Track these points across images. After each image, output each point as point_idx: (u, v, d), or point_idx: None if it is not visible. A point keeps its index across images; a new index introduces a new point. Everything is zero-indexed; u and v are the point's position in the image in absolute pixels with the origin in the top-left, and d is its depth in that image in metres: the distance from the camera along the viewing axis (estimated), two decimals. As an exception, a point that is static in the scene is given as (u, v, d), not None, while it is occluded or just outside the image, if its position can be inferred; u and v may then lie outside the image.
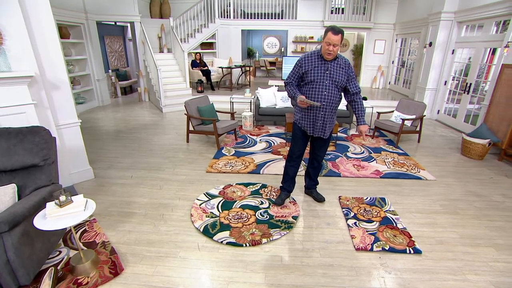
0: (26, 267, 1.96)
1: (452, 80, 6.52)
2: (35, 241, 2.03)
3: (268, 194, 3.29)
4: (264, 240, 2.52)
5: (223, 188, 3.42)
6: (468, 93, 5.77)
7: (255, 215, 2.89)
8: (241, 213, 2.93)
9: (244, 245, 2.47)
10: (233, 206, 3.05)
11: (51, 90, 3.03)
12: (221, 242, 2.52)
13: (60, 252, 2.35)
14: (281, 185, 3.20)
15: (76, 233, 2.58)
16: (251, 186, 3.48)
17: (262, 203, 3.11)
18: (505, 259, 2.37)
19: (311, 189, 3.29)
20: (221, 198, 3.21)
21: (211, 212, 2.95)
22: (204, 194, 3.29)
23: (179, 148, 4.73)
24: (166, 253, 2.39)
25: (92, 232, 2.61)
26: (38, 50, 2.83)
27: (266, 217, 2.87)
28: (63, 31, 6.58)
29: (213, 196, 3.25)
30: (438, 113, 6.82)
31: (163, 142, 5.04)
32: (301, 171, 3.68)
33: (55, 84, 3.04)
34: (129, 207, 3.04)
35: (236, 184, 3.53)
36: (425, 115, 5.11)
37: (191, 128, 4.89)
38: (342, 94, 2.77)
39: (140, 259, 2.32)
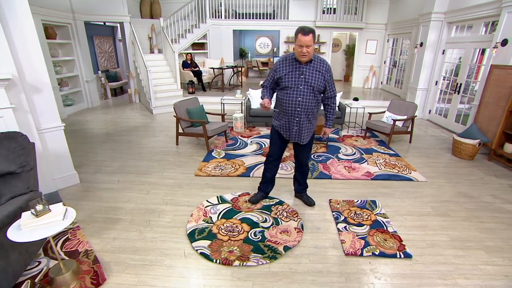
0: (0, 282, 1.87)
1: (443, 80, 6.55)
2: (10, 253, 1.94)
3: (278, 213, 2.98)
4: (236, 263, 2.29)
5: (238, 196, 3.29)
6: (458, 93, 5.80)
7: (248, 232, 2.68)
8: (237, 226, 2.77)
9: (214, 261, 2.32)
10: (234, 217, 2.92)
11: (32, 93, 2.92)
12: (197, 250, 2.44)
13: (40, 262, 2.26)
14: (259, 185, 3.18)
15: (58, 241, 2.48)
16: (266, 199, 3.22)
17: (265, 220, 2.86)
18: (495, 262, 2.35)
19: (301, 193, 3.23)
20: (229, 206, 3.09)
21: (209, 217, 2.89)
22: (217, 197, 3.23)
23: (168, 151, 4.65)
24: (151, 261, 2.32)
25: (75, 240, 2.52)
26: (17, 52, 2.72)
27: (258, 237, 2.61)
28: (49, 31, 6.43)
29: (224, 201, 3.17)
30: (429, 113, 6.85)
31: (153, 144, 4.95)
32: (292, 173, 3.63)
33: (36, 86, 2.93)
34: (115, 213, 2.95)
35: (254, 193, 3.30)
36: (416, 116, 5.11)
37: (180, 130, 4.81)
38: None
39: (124, 268, 2.24)
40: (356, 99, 6.52)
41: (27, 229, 1.85)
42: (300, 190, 3.21)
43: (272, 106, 2.72)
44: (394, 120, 4.82)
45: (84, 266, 2.22)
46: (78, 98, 7.53)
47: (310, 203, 3.14)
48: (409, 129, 5.10)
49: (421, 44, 6.71)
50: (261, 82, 2.78)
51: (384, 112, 5.42)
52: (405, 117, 4.97)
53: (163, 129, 5.87)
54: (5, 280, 1.91)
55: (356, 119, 6.38)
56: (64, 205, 2.08)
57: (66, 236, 2.56)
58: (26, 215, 1.92)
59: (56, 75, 6.52)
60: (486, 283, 2.14)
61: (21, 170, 2.19)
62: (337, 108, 5.75)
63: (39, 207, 1.93)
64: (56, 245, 2.44)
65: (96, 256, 2.33)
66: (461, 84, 5.74)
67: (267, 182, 3.12)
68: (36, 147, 2.82)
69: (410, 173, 3.92)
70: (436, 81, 6.59)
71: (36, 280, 2.09)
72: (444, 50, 6.36)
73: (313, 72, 2.49)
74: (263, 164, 4.11)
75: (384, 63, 9.93)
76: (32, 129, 2.89)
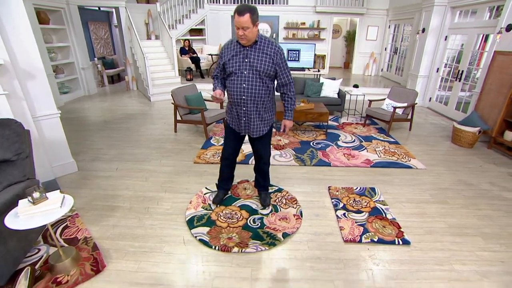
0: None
1: (444, 67, 6.46)
2: (8, 240, 1.93)
3: (277, 200, 2.97)
4: (235, 249, 2.31)
5: (237, 183, 3.25)
6: (460, 81, 5.73)
7: (247, 219, 2.67)
8: (236, 213, 2.77)
9: (213, 247, 2.33)
10: (233, 204, 2.91)
11: (25, 80, 2.85)
12: (196, 237, 2.45)
13: (39, 249, 2.26)
14: (217, 183, 2.97)
15: (57, 229, 2.48)
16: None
17: (264, 207, 2.86)
18: (491, 248, 2.37)
19: (259, 190, 2.96)
20: (228, 193, 3.06)
21: (208, 204, 2.88)
22: (216, 184, 3.11)
23: (166, 139, 4.61)
24: (151, 248, 2.32)
25: (74, 227, 2.52)
26: (8, 36, 2.63)
27: (257, 224, 2.61)
28: (42, 16, 6.25)
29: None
30: (429, 100, 6.79)
31: (151, 132, 4.90)
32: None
33: (30, 72, 2.86)
34: (114, 200, 2.94)
35: (253, 180, 3.27)
36: (416, 103, 5.06)
37: (178, 117, 4.75)
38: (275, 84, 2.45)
39: (124, 255, 2.24)
40: (356, 86, 6.45)
41: (24, 216, 1.83)
42: (259, 188, 2.96)
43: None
44: (394, 108, 4.77)
45: (84, 253, 2.23)
46: (75, 86, 7.42)
47: (264, 202, 2.86)
48: (409, 117, 5.06)
49: (423, 30, 6.58)
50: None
51: (384, 99, 5.37)
52: (405, 104, 4.93)
53: (161, 116, 5.82)
54: (5, 267, 1.91)
55: (356, 106, 6.33)
56: (62, 193, 2.06)
57: (65, 224, 2.56)
58: (23, 203, 1.90)
59: (51, 62, 6.39)
60: (482, 269, 2.16)
61: (16, 158, 2.16)
62: (336, 95, 5.71)
63: (36, 194, 1.91)
64: (55, 232, 2.44)
65: (96, 243, 2.33)
66: (462, 71, 5.66)
67: (225, 180, 2.91)
68: (32, 135, 2.78)
69: (409, 161, 3.91)
70: (438, 68, 6.50)
71: (36, 266, 2.10)
72: (446, 36, 6.24)
73: (259, 55, 2.22)
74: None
75: (385, 49, 9.78)
76: (27, 116, 2.84)
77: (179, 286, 1.99)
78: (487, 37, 5.50)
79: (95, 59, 8.70)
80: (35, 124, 2.97)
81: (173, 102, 4.62)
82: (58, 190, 2.09)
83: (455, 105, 5.89)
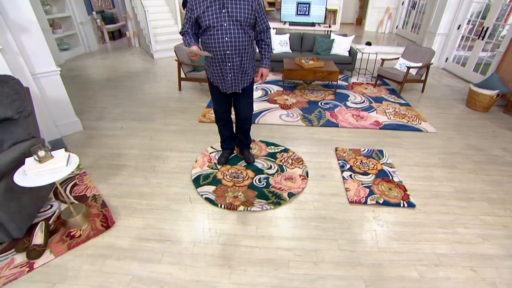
0: (17, 222, 1.95)
1: (467, 24, 5.96)
2: (21, 196, 1.98)
3: (283, 161, 2.96)
4: (241, 208, 2.34)
5: None
6: (482, 39, 5.32)
7: (253, 179, 2.69)
8: (242, 172, 2.78)
9: (219, 205, 2.38)
10: (238, 163, 2.90)
11: (19, 33, 2.69)
12: (202, 195, 2.48)
13: (52, 206, 2.33)
14: (221, 144, 2.93)
15: (67, 187, 2.53)
16: (272, 147, 3.20)
17: (270, 167, 2.86)
18: (496, 213, 2.37)
19: (241, 149, 2.95)
20: (233, 153, 3.04)
21: (214, 163, 2.89)
22: (221, 144, 3.08)
23: (170, 97, 4.51)
24: (157, 205, 2.38)
25: (83, 185, 2.57)
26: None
27: (263, 184, 2.62)
28: (34, -37, 5.77)
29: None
30: (446, 61, 6.41)
31: (154, 90, 4.79)
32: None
33: (22, 25, 2.69)
34: (120, 159, 2.96)
35: (259, 140, 3.31)
36: (432, 63, 4.77)
37: (182, 75, 4.60)
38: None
39: (132, 212, 2.31)
40: (369, 43, 6.07)
41: (32, 174, 1.85)
42: (241, 146, 2.93)
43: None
44: (408, 68, 4.51)
45: (93, 209, 2.29)
46: (74, 42, 7.13)
47: (249, 160, 2.88)
48: (423, 78, 4.81)
49: (448, -20, 5.96)
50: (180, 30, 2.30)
51: (397, 58, 5.07)
52: (420, 64, 4.65)
53: (164, 74, 5.64)
54: (21, 221, 1.98)
55: (367, 65, 6.02)
56: (67, 151, 2.05)
57: (74, 182, 2.60)
58: (29, 161, 1.91)
59: (46, 15, 6.05)
60: (484, 232, 2.18)
61: (18, 116, 2.11)
62: (347, 53, 5.40)
63: (41, 153, 1.91)
64: (65, 190, 2.49)
65: (104, 201, 2.39)
66: (487, 28, 5.22)
67: (227, 140, 2.86)
68: (33, 93, 2.73)
69: (420, 124, 3.79)
70: (459, 25, 6.02)
71: (50, 221, 2.18)
72: (473, -12, 5.67)
73: (237, 2, 2.03)
74: (267, 111, 4.03)
75: (402, 4, 9.03)
76: (26, 73, 2.75)
77: (185, 242, 2.06)
78: (519, -12, 4.97)
79: (93, 13, 8.24)
80: (35, 82, 2.88)
81: (176, 59, 4.42)
82: (64, 149, 2.08)
83: (474, 66, 5.55)
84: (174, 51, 4.41)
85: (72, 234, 2.08)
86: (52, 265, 1.88)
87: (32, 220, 2.12)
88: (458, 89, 5.16)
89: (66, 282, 1.78)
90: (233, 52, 2.14)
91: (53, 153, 2.00)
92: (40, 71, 2.93)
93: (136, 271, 1.85)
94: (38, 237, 1.98)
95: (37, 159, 1.89)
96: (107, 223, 2.17)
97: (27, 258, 1.89)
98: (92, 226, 2.14)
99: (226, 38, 2.08)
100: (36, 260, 1.89)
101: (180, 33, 2.27)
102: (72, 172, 2.70)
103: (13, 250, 1.94)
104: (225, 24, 2.05)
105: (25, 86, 2.27)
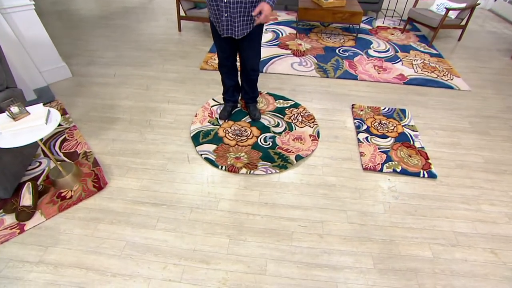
0: (1, 182, 1.80)
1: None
2: (1, 156, 1.79)
3: (292, 118, 2.67)
4: (243, 171, 2.15)
5: None
6: (542, -28, 4.40)
7: (257, 137, 2.45)
8: (246, 129, 2.52)
9: (220, 167, 2.19)
10: (242, 119, 2.63)
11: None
12: (201, 155, 2.28)
13: (40, 163, 2.17)
14: (223, 96, 2.64)
15: (56, 142, 2.34)
16: (280, 101, 2.88)
17: (278, 125, 2.59)
18: (529, 188, 2.12)
19: (247, 102, 2.65)
20: (237, 106, 2.75)
21: (216, 118, 2.63)
22: (223, 97, 2.74)
23: (169, 39, 4.03)
24: (153, 165, 2.20)
25: (73, 141, 2.37)
26: None
27: (269, 144, 2.39)
28: None
29: (232, 101, 2.78)
30: (495, 0, 5.45)
31: (151, 30, 4.28)
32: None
33: None
34: (113, 111, 2.71)
35: (266, 93, 2.98)
36: (479, 3, 4.00)
37: (182, 13, 4.03)
38: None
39: (126, 172, 2.14)
40: (401, -23, 5.14)
41: (7, 134, 1.63)
42: (246, 99, 2.63)
43: None
44: (448, 9, 3.81)
45: (85, 168, 2.13)
46: (62, -33, 6.28)
47: (254, 116, 2.61)
48: (463, 23, 4.10)
49: None
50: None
51: (435, -4, 4.29)
52: (464, 5, 3.91)
53: (162, 11, 5.01)
54: (5, 181, 1.85)
55: (396, 6, 5.19)
56: (54, 101, 1.79)
57: (63, 137, 2.40)
58: (2, 118, 1.68)
59: None
60: (512, 211, 1.96)
61: (-16, 62, 1.81)
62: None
63: (15, 109, 1.66)
64: (54, 145, 2.30)
65: (96, 159, 2.21)
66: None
67: (230, 90, 2.55)
68: (4, 33, 2.35)
69: (451, 79, 3.32)
70: (516, -47, 4.95)
71: (39, 181, 2.04)
72: None
73: None
74: (278, 58, 3.59)
75: None
76: (-8, 6, 2.33)
77: (182, 207, 1.92)
78: None
79: None
80: (6, 19, 2.46)
81: (174, -8, 3.82)
82: (41, 104, 1.82)
83: (524, 7, 4.71)
84: (172, -19, 3.79)
85: (63, 195, 1.95)
86: (43, 228, 1.79)
87: (19, 179, 1.99)
88: (504, 37, 4.42)
89: (58, 246, 1.70)
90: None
91: (30, 108, 1.76)
92: (8, 5, 2.47)
93: (130, 237, 1.75)
94: (27, 199, 1.86)
95: (10, 115, 1.66)
96: (99, 184, 2.02)
97: (16, 219, 1.79)
98: (83, 186, 2.00)
99: None
100: (27, 221, 1.80)
101: None
102: (61, 125, 2.49)
103: (1, 210, 1.84)
104: None
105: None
